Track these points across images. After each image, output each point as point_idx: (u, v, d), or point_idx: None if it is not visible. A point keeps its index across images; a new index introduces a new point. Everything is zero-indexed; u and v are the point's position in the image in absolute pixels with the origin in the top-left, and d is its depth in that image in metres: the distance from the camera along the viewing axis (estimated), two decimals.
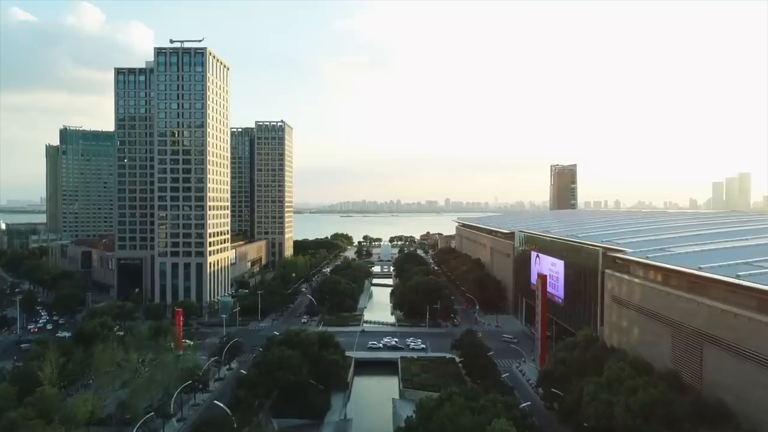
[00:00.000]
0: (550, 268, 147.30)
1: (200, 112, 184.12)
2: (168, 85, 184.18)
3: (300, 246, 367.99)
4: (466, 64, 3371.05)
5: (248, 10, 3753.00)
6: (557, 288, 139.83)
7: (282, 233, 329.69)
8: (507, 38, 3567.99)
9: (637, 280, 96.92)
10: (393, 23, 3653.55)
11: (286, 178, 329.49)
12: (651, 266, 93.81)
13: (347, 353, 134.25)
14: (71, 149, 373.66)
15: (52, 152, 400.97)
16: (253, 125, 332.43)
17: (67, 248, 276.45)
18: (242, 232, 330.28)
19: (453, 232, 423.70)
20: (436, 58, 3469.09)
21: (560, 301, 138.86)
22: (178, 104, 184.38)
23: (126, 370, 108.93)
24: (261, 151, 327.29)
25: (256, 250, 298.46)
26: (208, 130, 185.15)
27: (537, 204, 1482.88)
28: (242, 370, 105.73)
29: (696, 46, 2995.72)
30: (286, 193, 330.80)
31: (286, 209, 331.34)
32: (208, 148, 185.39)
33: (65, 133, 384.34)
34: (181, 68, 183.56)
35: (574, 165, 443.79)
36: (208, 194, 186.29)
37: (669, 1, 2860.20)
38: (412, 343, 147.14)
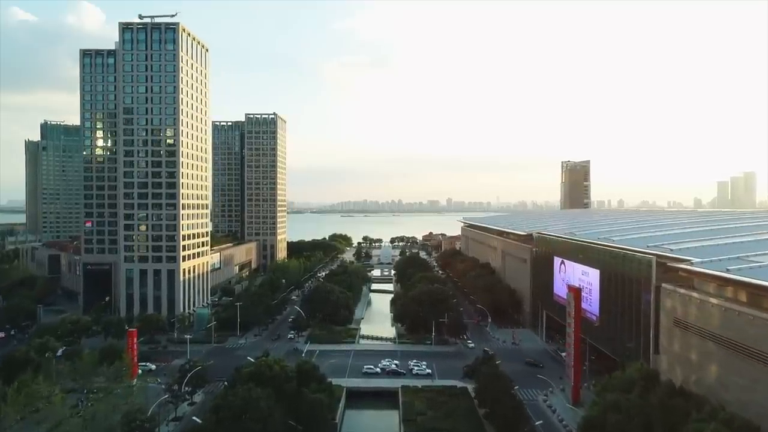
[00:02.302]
0: (579, 277, 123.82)
1: (172, 96, 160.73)
2: (135, 65, 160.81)
3: (295, 248, 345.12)
4: (466, 63, 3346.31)
5: (249, 10, 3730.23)
6: (590, 302, 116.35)
7: (274, 234, 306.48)
8: (508, 37, 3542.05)
9: (714, 301, 73.38)
10: (393, 23, 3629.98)
11: (278, 175, 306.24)
12: (736, 282, 70.30)
13: (337, 380, 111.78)
14: (52, 145, 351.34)
15: (31, 148, 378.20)
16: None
17: (37, 251, 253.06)
18: (231, 233, 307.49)
19: (457, 232, 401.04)
20: (437, 58, 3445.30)
21: (594, 318, 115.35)
22: (146, 87, 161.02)
23: (53, 411, 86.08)
24: (252, 145, 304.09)
25: (245, 252, 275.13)
26: (181, 117, 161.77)
27: (539, 203, 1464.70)
28: (195, 418, 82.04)
29: (700, 44, 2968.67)
30: (278, 191, 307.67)
31: (278, 208, 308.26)
32: (181, 138, 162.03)
33: (46, 128, 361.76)
34: (150, 46, 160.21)
35: (588, 161, 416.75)
36: (182, 191, 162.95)
37: (672, 0, 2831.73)
38: (416, 367, 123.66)
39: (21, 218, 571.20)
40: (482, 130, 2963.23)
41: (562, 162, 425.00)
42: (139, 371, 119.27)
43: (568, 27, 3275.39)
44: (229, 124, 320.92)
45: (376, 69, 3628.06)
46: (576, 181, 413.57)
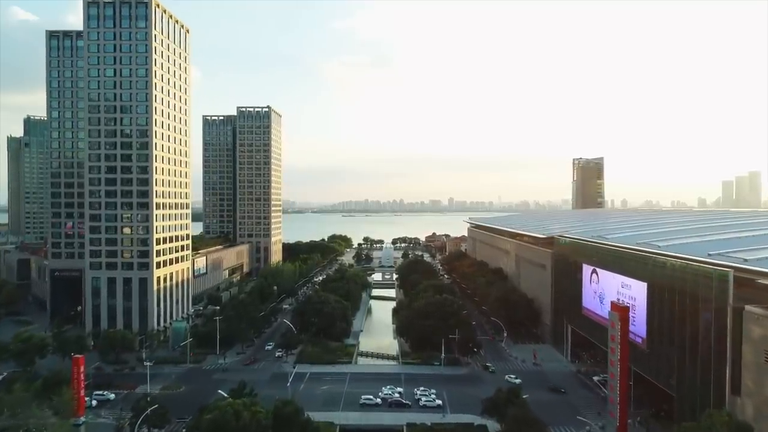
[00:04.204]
0: (618, 290, 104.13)
1: (143, 80, 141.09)
2: (102, 46, 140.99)
3: (291, 250, 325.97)
4: (467, 62, 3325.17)
5: (249, 10, 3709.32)
6: (634, 321, 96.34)
7: (268, 236, 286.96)
8: (510, 36, 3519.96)
9: None
10: (393, 22, 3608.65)
11: (272, 173, 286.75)
12: None
13: (329, 415, 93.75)
14: (35, 141, 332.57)
15: (14, 145, 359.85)
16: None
17: (8, 254, 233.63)
18: (223, 235, 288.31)
19: (461, 232, 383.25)
20: (438, 57, 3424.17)
21: (639, 341, 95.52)
22: (114, 71, 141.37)
23: None
24: (244, 141, 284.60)
25: (235, 256, 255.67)
26: (154, 104, 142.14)
27: (542, 203, 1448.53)
28: None
29: (703, 43, 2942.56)
30: (273, 190, 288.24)
31: (273, 208, 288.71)
32: (154, 129, 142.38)
33: (29, 123, 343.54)
34: (119, 23, 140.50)
35: (601, 158, 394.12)
36: (156, 188, 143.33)
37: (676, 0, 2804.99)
38: (423, 397, 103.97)
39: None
40: (483, 129, 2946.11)
41: (573, 159, 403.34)
42: (93, 402, 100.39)
43: (570, 26, 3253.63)
44: (221, 118, 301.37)
45: (376, 69, 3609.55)
46: (589, 180, 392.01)
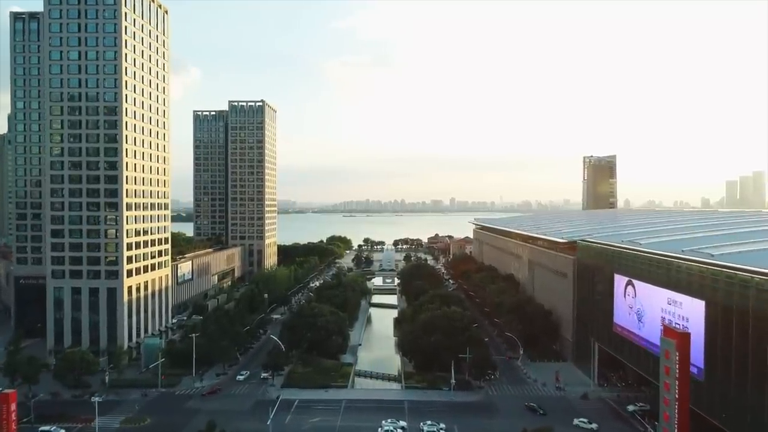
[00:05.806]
0: (664, 308, 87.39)
1: (112, 64, 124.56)
2: (65, 25, 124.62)
3: (287, 252, 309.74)
4: (470, 61, 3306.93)
5: (249, 10, 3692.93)
6: None
7: (262, 238, 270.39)
8: (511, 35, 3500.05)
9: None
10: (395, 22, 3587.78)
11: (266, 171, 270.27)
12: None
13: None
14: None
15: None
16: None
17: None
18: (215, 237, 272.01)
19: (463, 233, 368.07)
20: (439, 56, 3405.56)
21: (695, 371, 78.61)
22: (79, 53, 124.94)
23: None
24: (236, 138, 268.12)
25: (225, 259, 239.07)
26: (124, 92, 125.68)
27: (544, 203, 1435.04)
28: None
29: (706, 42, 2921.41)
30: (267, 189, 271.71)
31: (267, 209, 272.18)
32: (125, 119, 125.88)
33: (12, 121, 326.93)
34: (84, 0, 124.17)
35: (614, 156, 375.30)
36: (127, 186, 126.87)
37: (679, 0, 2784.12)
38: None
39: None
40: (485, 129, 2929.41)
41: (584, 158, 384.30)
42: None
43: (572, 24, 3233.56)
44: (213, 114, 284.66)
45: (377, 68, 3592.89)
46: (600, 179, 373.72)
